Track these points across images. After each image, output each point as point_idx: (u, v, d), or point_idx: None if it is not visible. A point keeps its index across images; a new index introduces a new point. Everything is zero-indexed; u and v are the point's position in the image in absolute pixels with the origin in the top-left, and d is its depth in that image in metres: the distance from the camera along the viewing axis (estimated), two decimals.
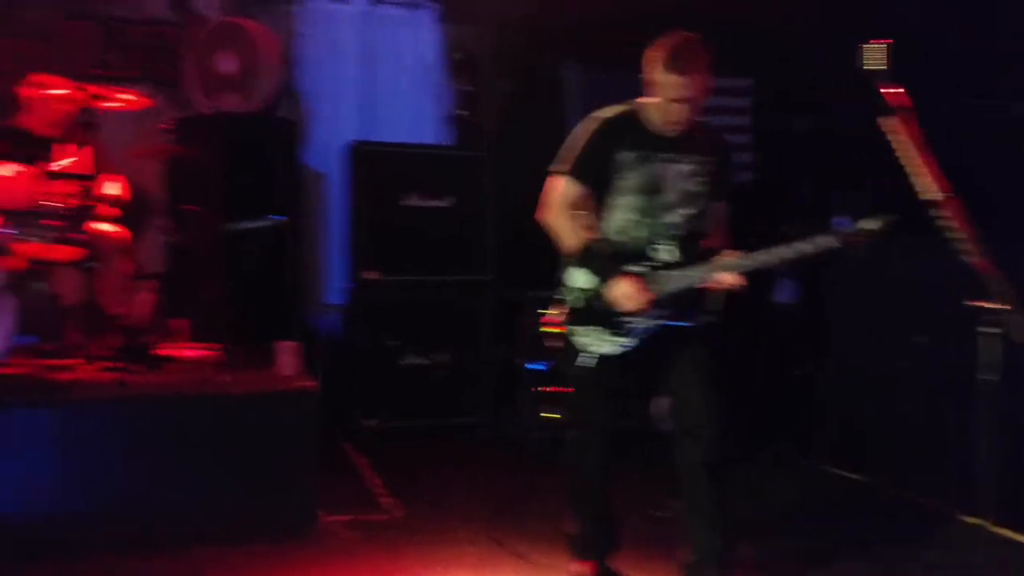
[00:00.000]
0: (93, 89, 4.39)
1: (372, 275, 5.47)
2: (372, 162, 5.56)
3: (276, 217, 5.30)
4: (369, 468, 4.72)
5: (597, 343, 3.09)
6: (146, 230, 5.27)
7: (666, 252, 3.06)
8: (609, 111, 3.13)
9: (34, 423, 3.62)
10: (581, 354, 3.12)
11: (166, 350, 4.69)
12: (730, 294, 3.04)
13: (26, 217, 4.13)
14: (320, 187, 6.04)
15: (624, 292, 2.99)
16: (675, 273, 3.04)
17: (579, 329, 3.13)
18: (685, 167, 3.06)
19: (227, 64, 5.62)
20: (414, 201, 5.59)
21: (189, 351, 4.77)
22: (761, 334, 5.61)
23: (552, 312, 3.24)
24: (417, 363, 5.56)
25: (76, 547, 3.50)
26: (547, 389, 5.10)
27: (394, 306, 5.51)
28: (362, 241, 5.52)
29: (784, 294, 5.46)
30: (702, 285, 3.03)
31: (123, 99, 4.48)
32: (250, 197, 5.38)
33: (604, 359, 3.09)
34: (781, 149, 6.26)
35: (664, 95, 2.96)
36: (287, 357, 4.21)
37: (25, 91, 4.41)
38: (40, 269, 4.28)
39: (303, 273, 5.78)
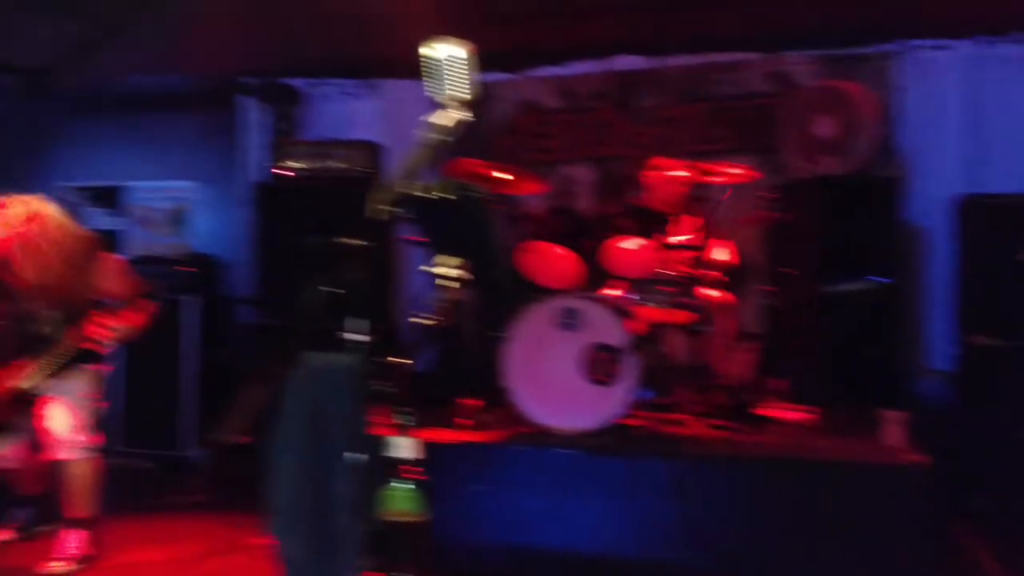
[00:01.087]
0: (704, 166, 4.80)
1: (982, 339, 5.01)
2: (983, 216, 5.10)
3: (877, 279, 5.17)
4: (983, 553, 4.29)
5: None
6: (748, 293, 5.54)
7: None
8: None
9: (650, 472, 3.97)
10: None
11: (765, 410, 4.84)
12: None
13: (646, 285, 4.66)
14: (922, 245, 5.72)
15: None
16: None
17: None
18: None
19: (825, 128, 5.68)
20: None
21: (787, 412, 4.86)
22: None
23: None
24: None
25: None
26: None
27: (1008, 374, 4.95)
28: (970, 302, 5.09)
29: None
30: None
31: (731, 174, 4.81)
32: (848, 258, 5.34)
33: None
34: None
35: None
36: (893, 427, 4.05)
37: (647, 174, 5.00)
38: (656, 331, 4.75)
39: (904, 336, 5.52)
